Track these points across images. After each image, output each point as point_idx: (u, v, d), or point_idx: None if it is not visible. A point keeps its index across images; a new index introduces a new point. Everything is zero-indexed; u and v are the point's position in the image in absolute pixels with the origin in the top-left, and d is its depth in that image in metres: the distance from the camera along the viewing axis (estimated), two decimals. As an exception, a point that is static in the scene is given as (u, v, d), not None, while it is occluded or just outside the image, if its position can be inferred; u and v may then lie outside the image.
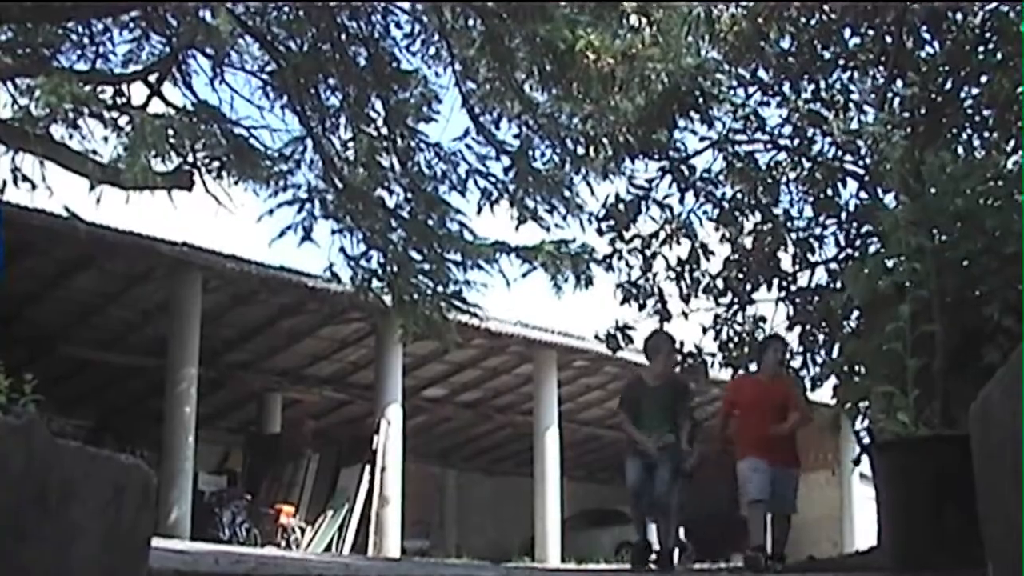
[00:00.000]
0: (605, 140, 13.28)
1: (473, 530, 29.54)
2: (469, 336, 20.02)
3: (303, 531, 21.98)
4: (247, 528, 21.35)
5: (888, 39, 12.13)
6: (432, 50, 15.32)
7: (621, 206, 13.03)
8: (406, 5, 15.08)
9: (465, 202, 15.23)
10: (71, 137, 14.49)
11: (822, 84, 12.55)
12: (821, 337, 12.35)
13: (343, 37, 14.87)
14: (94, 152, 14.83)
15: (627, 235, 13.08)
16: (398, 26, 15.28)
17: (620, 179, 13.71)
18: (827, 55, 12.56)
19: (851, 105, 12.36)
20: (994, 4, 11.60)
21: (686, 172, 12.99)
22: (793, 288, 12.38)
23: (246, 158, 15.10)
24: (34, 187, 14.45)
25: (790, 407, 11.27)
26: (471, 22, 14.45)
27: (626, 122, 12.99)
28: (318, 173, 15.42)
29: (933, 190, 7.58)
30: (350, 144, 15.49)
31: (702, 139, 13.04)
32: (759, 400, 11.26)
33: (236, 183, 15.33)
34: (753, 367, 12.70)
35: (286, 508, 22.11)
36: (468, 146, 15.23)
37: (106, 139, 14.80)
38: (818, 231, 12.40)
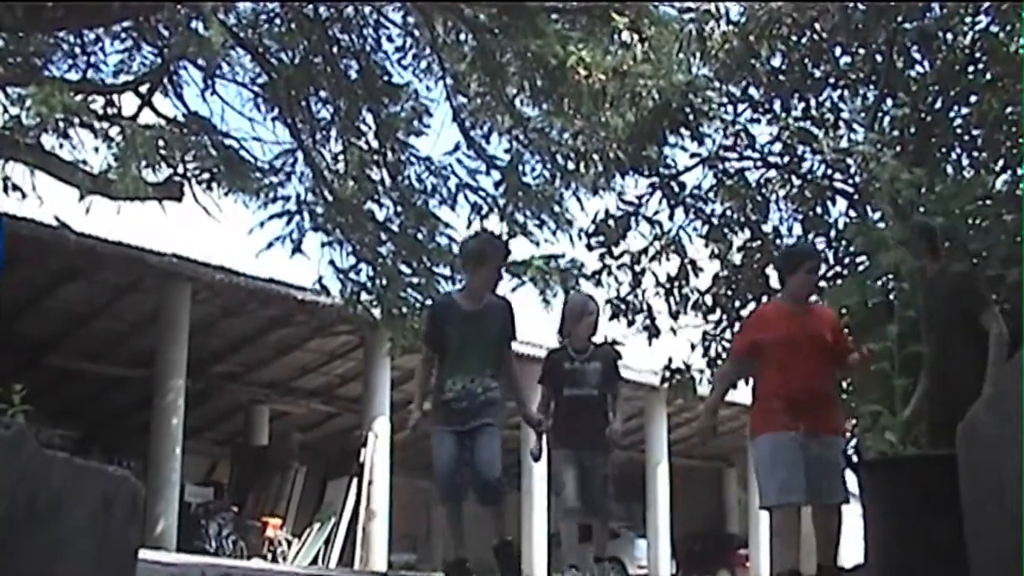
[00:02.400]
0: (595, 156, 13.32)
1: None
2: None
3: (290, 544, 21.93)
4: (234, 540, 21.29)
5: (878, 58, 12.18)
6: (423, 64, 15.38)
7: (611, 222, 13.05)
8: (397, 18, 15.11)
9: (455, 216, 15.28)
10: (61, 147, 14.48)
11: (812, 102, 12.59)
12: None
13: (335, 50, 14.90)
14: (84, 162, 14.81)
15: (616, 251, 13.10)
16: (390, 40, 15.34)
17: (610, 195, 13.75)
18: (818, 73, 12.60)
19: (841, 124, 12.40)
20: (983, 25, 11.65)
21: (676, 188, 13.02)
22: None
23: (236, 170, 15.09)
24: (24, 196, 14.43)
25: (840, 347, 8.00)
26: (463, 37, 14.51)
27: (616, 138, 13.02)
28: (308, 185, 15.44)
29: (922, 210, 7.64)
30: (340, 157, 15.53)
31: (692, 156, 13.08)
32: (797, 336, 7.79)
33: (226, 194, 15.32)
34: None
35: (273, 521, 22.06)
36: (459, 160, 15.28)
37: (96, 149, 14.78)
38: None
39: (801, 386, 7.65)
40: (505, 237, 14.54)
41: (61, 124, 13.67)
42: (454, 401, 8.09)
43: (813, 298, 8.56)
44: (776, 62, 12.63)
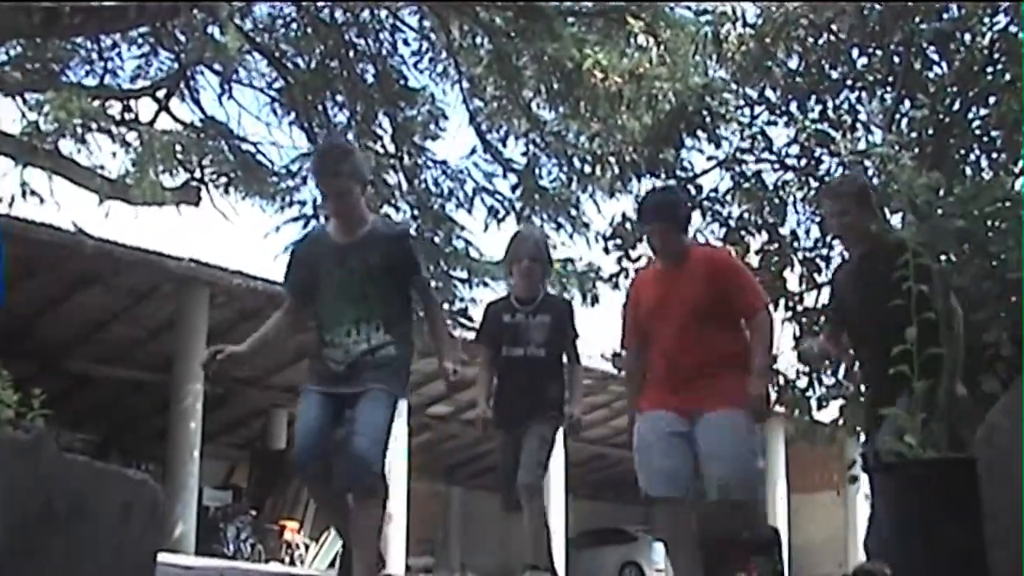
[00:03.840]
0: (612, 158, 13.30)
1: (478, 548, 29.43)
2: (475, 353, 19.99)
3: (307, 547, 21.96)
4: (252, 544, 21.32)
5: (896, 59, 12.14)
6: (440, 68, 15.41)
7: (628, 224, 13.04)
8: (413, 22, 15.13)
9: (472, 219, 15.30)
10: (79, 152, 14.56)
11: (829, 104, 12.53)
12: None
13: (351, 54, 14.94)
14: (102, 167, 14.91)
15: (634, 254, 13.07)
16: (406, 43, 15.39)
17: (627, 197, 13.73)
18: (834, 75, 12.55)
19: (858, 125, 12.36)
20: (1002, 25, 11.61)
21: (693, 191, 12.99)
22: (800, 308, 12.34)
23: (253, 174, 15.15)
24: (42, 202, 14.49)
25: (733, 300, 6.62)
26: (479, 40, 14.51)
27: (633, 141, 13.00)
28: (325, 189, 15.43)
29: (940, 211, 7.59)
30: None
31: (709, 158, 13.04)
32: (665, 300, 6.64)
33: (243, 199, 15.37)
34: None
35: (291, 524, 22.08)
36: (475, 163, 15.30)
37: (114, 154, 14.87)
38: (825, 251, 12.35)
39: (674, 358, 6.54)
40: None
41: (79, 129, 13.75)
42: (330, 361, 6.14)
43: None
44: (793, 64, 12.59)
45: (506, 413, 7.36)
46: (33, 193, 14.46)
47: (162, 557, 5.13)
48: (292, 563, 20.93)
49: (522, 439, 7.21)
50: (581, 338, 7.61)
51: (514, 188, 14.98)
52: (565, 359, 7.52)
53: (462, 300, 15.04)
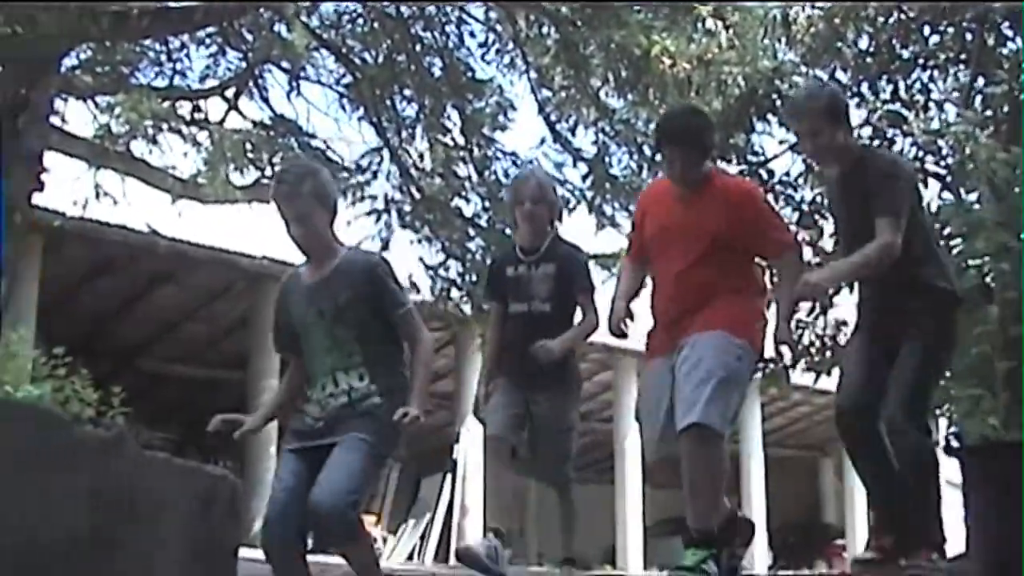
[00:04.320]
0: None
1: (554, 539, 29.41)
2: (584, 351, 19.95)
3: (385, 540, 22.03)
4: (330, 538, 21.42)
5: (969, 37, 11.98)
6: (507, 59, 15.38)
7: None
8: (480, 14, 15.12)
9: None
10: (151, 153, 14.65)
11: (901, 84, 12.39)
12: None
13: (418, 48, 14.94)
14: (173, 167, 15.01)
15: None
16: (472, 36, 15.37)
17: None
18: (906, 54, 12.41)
19: (932, 105, 12.22)
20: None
21: (765, 176, 12.89)
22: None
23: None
24: (115, 203, 14.63)
25: (762, 241, 6.03)
26: (545, 30, 14.47)
27: (703, 126, 12.90)
28: (395, 183, 15.49)
29: (1018, 189, 7.47)
30: (427, 154, 15.56)
31: (780, 142, 12.91)
32: (673, 228, 6.02)
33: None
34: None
35: (368, 518, 22.17)
36: (544, 153, 15.27)
37: (185, 154, 14.96)
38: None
39: (676, 295, 5.92)
40: (593, 229, 14.53)
41: (150, 130, 13.84)
42: (307, 416, 5.26)
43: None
44: (863, 44, 12.45)
45: (508, 369, 6.49)
46: (106, 194, 14.61)
47: (243, 552, 5.13)
48: (370, 556, 20.99)
49: (533, 416, 6.37)
50: (597, 290, 6.62)
51: (584, 177, 14.94)
52: (580, 316, 6.46)
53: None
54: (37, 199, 13.52)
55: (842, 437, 6.17)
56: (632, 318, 6.13)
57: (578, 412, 6.58)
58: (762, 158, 12.98)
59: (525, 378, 6.33)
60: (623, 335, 6.03)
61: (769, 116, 12.42)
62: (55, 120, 14.27)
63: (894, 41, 12.30)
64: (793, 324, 10.34)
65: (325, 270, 5.21)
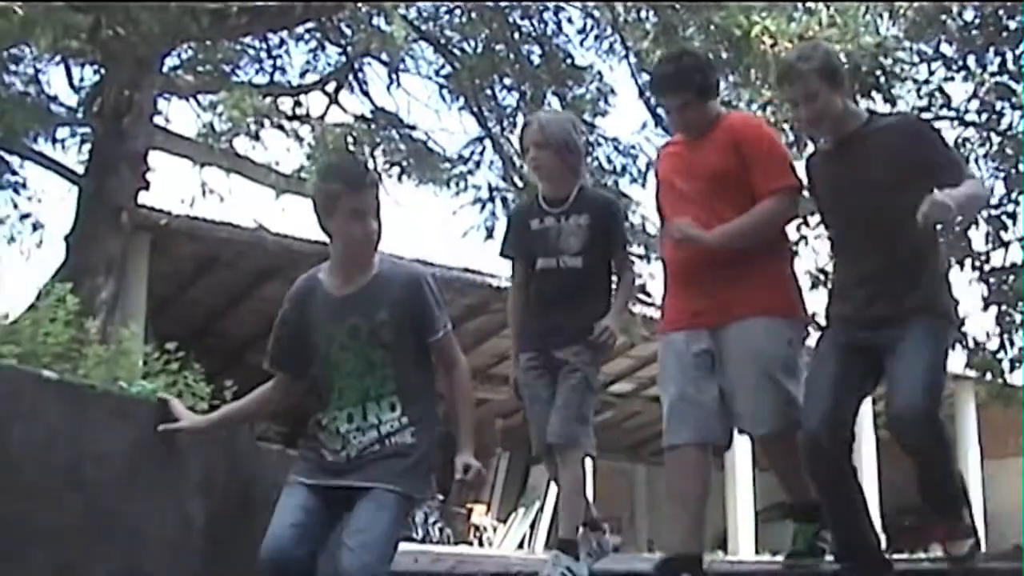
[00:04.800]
0: (786, 125, 13.08)
1: (664, 525, 29.38)
2: (655, 330, 19.89)
3: (495, 529, 22.09)
4: (440, 528, 21.49)
5: (1080, 6, 11.74)
6: (606, 44, 15.31)
7: (805, 192, 12.83)
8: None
9: (645, 194, 15.19)
10: (254, 149, 14.78)
11: (1009, 56, 12.17)
12: (1019, 318, 11.96)
13: (516, 36, 14.92)
14: (276, 163, 15.12)
15: (812, 221, 12.87)
16: (570, 22, 15.30)
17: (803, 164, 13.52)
18: (1013, 25, 12.19)
19: (1042, 76, 11.99)
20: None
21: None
22: (987, 268, 12.01)
23: (426, 161, 15.26)
24: (221, 200, 14.79)
25: (756, 183, 5.52)
26: (644, 14, 14.39)
27: (807, 104, 12.75)
28: (498, 172, 15.50)
29: None
30: (527, 143, 15.55)
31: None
32: (680, 175, 5.71)
33: (417, 186, 15.48)
34: None
35: (478, 507, 22.22)
36: (647, 138, 15.20)
37: (288, 149, 15.09)
38: (1011, 208, 12.02)
39: (683, 251, 5.46)
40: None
41: (252, 127, 13.93)
42: (325, 450, 4.57)
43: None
44: (968, 16, 12.25)
45: (536, 337, 5.70)
46: (211, 192, 14.79)
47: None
48: (480, 545, 21.07)
49: (557, 376, 5.58)
50: (629, 244, 6.29)
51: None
52: (615, 269, 5.80)
53: (640, 276, 14.94)
54: (143, 198, 13.69)
55: (810, 470, 5.20)
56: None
57: (599, 377, 5.80)
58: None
59: (557, 336, 5.59)
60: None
61: (873, 93, 12.26)
62: (159, 120, 14.45)
63: (1000, 12, 12.09)
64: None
65: (360, 281, 4.52)
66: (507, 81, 15.31)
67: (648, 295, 14.93)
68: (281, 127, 14.88)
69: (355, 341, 4.50)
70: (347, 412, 4.53)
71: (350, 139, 14.75)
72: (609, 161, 15.25)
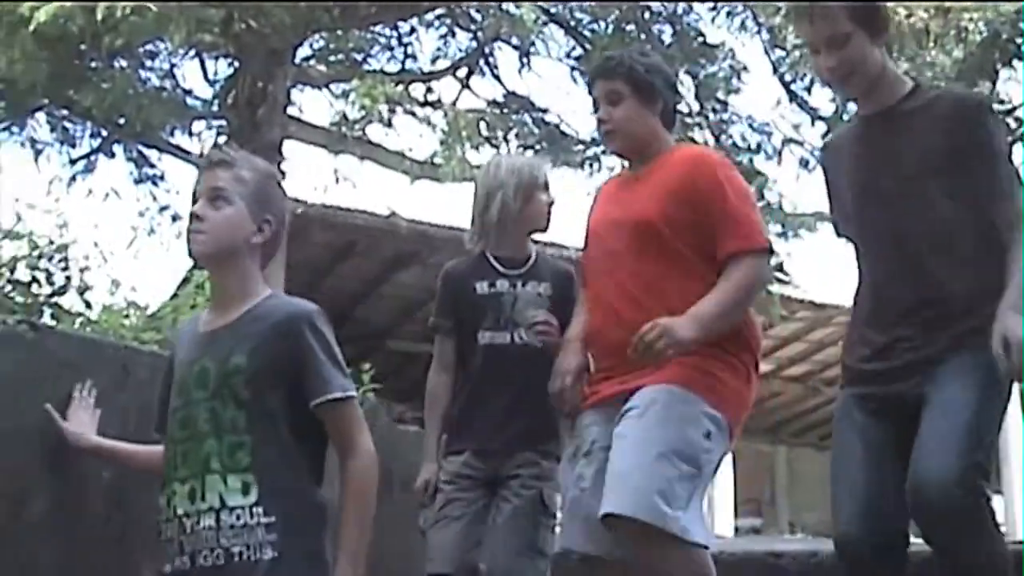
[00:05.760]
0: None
1: (805, 507, 29.03)
2: (793, 309, 19.68)
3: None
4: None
5: None
6: (737, 21, 15.16)
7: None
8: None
9: (781, 172, 15.04)
10: (387, 136, 14.89)
11: None
12: None
13: (647, 16, 14.84)
14: (410, 149, 15.23)
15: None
16: (701, 0, 15.17)
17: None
18: None
19: None
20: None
21: (1012, 124, 12.45)
22: None
23: (559, 144, 15.23)
24: (355, 187, 14.92)
25: (710, 234, 3.97)
26: (776, -11, 14.25)
27: (944, 76, 12.52)
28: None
29: None
30: (663, 121, 15.50)
31: (1029, 88, 12.49)
32: (607, 224, 4.21)
33: (551, 169, 15.48)
34: None
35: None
36: (781, 115, 15.04)
37: (421, 136, 15.18)
38: None
39: (604, 321, 4.08)
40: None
41: (385, 114, 14.02)
42: (165, 542, 3.11)
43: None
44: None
45: (473, 435, 4.45)
46: (346, 179, 14.93)
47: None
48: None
49: (496, 490, 4.38)
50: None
51: (823, 136, 14.68)
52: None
53: (777, 255, 14.78)
54: (279, 188, 13.87)
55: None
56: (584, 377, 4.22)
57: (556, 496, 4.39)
58: (1008, 106, 12.56)
59: (495, 436, 4.40)
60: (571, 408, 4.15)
61: (1014, 61, 11.99)
62: (292, 110, 14.62)
63: None
64: None
65: (233, 315, 3.23)
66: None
67: (786, 274, 14.79)
68: (413, 114, 14.97)
69: (199, 390, 3.15)
70: (189, 486, 3.07)
71: (482, 124, 14.78)
72: (743, 139, 15.13)
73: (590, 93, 4.28)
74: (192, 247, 3.21)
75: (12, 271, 4.90)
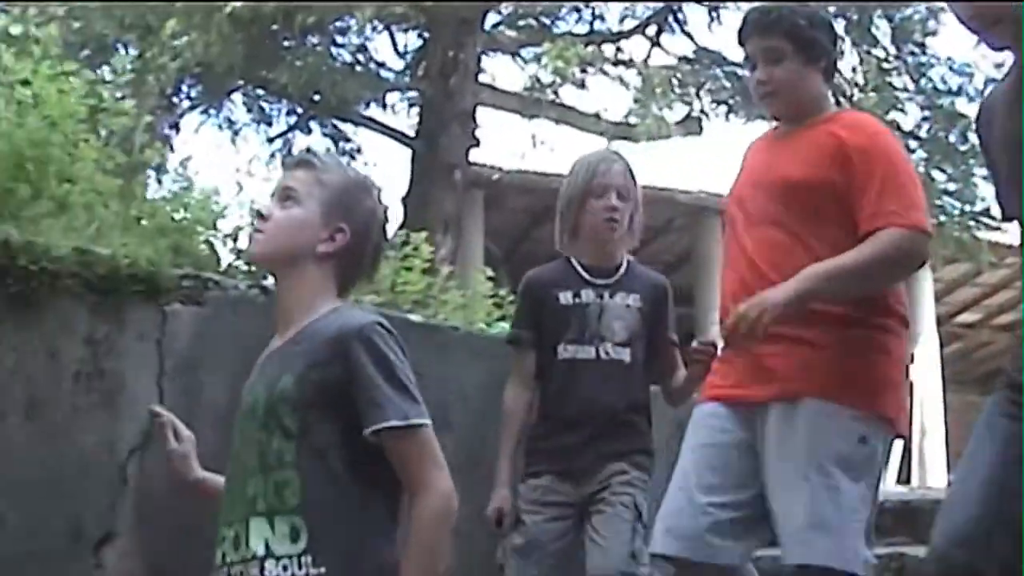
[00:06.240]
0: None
1: None
2: (1002, 255, 19.17)
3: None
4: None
5: None
6: (933, -40, 14.81)
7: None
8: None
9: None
10: (580, 98, 14.91)
11: None
12: None
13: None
14: (605, 110, 15.19)
15: None
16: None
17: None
18: None
19: None
20: None
21: None
22: None
23: (751, 98, 15.07)
24: (552, 151, 14.96)
25: (857, 205, 3.60)
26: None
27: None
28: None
29: None
30: (858, 68, 15.16)
31: None
32: (750, 187, 3.90)
33: (744, 124, 15.31)
34: None
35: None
36: (983, 55, 14.66)
37: (614, 96, 15.14)
38: None
39: (733, 292, 3.76)
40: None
41: (577, 76, 14.02)
42: None
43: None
44: None
45: (554, 457, 4.11)
46: (542, 144, 14.97)
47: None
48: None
49: (587, 509, 4.03)
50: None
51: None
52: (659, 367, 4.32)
53: (984, 200, 14.43)
54: (474, 156, 13.96)
55: None
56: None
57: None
58: None
59: (579, 458, 4.06)
60: None
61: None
62: (484, 77, 14.69)
63: None
64: None
65: (291, 332, 2.85)
66: (831, 8, 14.94)
67: (993, 219, 14.39)
68: (606, 73, 14.94)
69: (251, 421, 2.78)
70: (234, 531, 2.72)
71: (675, 81, 14.67)
72: (944, 81, 14.75)
73: (744, 49, 3.94)
74: (249, 247, 2.91)
75: (235, 240, 5.02)
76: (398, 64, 15.33)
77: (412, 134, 14.35)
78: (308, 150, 3.22)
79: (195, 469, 3.15)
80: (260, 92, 15.05)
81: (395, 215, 13.24)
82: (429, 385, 3.84)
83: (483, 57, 14.54)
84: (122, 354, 3.36)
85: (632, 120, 14.15)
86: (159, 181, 6.45)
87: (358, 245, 2.90)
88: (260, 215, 2.88)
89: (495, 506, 4.05)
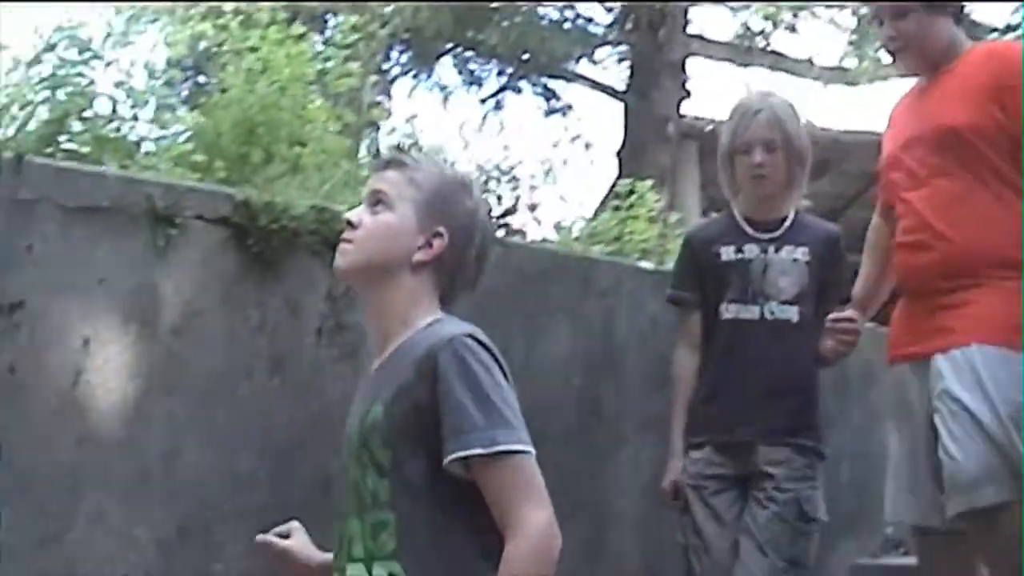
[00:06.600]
0: None
1: None
2: None
3: None
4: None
5: None
6: None
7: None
8: None
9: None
10: (792, 43, 14.70)
11: None
12: None
13: None
14: (818, 54, 14.94)
15: None
16: None
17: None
18: None
19: None
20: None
21: None
22: None
23: (970, 33, 14.65)
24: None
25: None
26: None
27: None
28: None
29: None
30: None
31: None
32: (909, 142, 3.64)
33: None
34: None
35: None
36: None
37: (826, 40, 14.87)
38: None
39: (914, 248, 3.57)
40: None
41: (789, 20, 13.82)
42: None
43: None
44: None
45: (717, 426, 3.90)
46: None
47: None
48: None
49: (748, 490, 3.84)
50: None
51: None
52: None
53: None
54: (687, 107, 13.85)
55: None
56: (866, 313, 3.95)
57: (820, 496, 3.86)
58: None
59: (744, 426, 3.85)
60: None
61: None
62: (692, 28, 14.55)
63: None
64: None
65: (387, 351, 2.50)
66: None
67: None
68: (817, 17, 14.66)
69: (348, 457, 2.45)
70: (339, 542, 2.42)
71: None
72: None
73: (868, 7, 3.75)
74: (337, 259, 2.53)
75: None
76: (606, 19, 15.25)
77: (623, 88, 14.29)
78: (398, 147, 3.04)
79: (316, 553, 2.58)
80: (469, 54, 15.13)
81: (610, 170, 13.27)
82: (660, 333, 3.87)
83: (691, 7, 14.40)
84: (361, 308, 3.43)
85: (846, 64, 13.86)
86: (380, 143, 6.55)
87: (459, 250, 2.52)
88: (349, 223, 2.50)
89: (670, 478, 3.94)
